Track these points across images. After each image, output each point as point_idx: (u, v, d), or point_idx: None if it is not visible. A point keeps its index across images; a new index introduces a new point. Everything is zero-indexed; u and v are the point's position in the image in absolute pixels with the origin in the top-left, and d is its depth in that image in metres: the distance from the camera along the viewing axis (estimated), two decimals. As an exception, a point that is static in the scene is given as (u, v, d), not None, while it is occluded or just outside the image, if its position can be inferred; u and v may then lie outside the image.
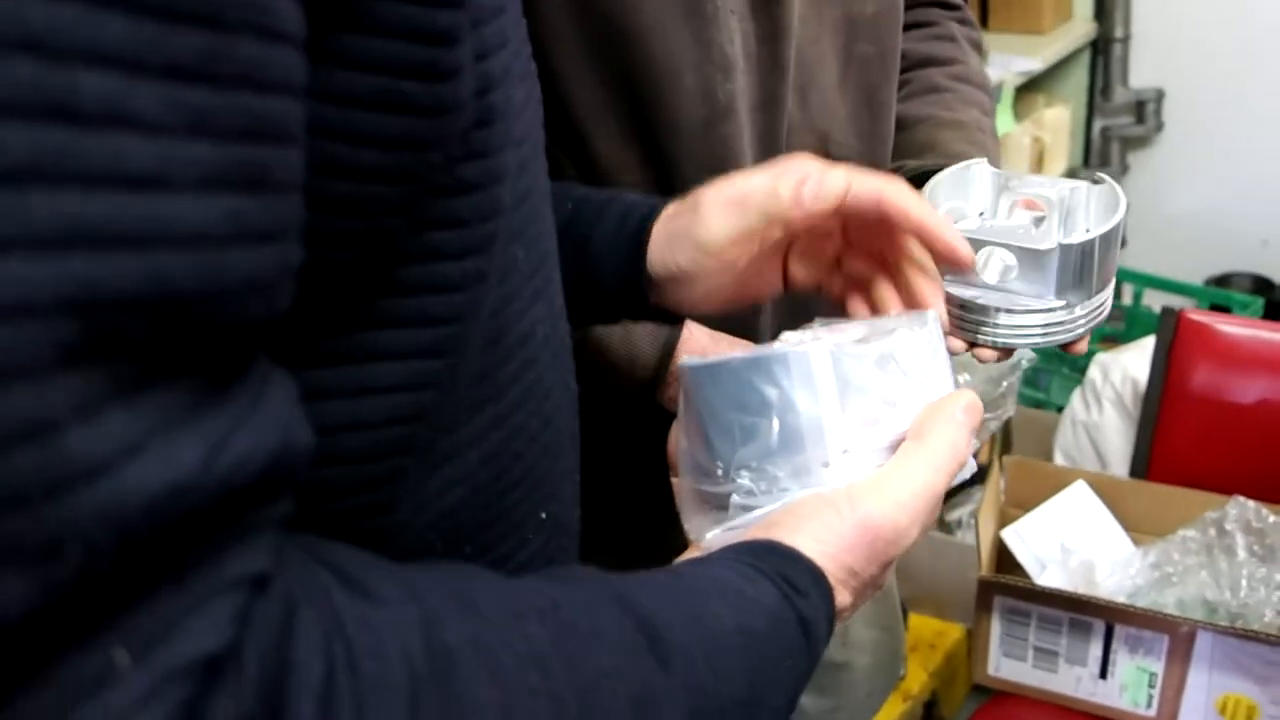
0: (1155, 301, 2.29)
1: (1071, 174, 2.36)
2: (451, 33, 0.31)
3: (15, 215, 0.20)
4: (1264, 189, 2.24)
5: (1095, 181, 0.70)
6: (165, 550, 0.23)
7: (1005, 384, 0.77)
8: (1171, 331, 1.30)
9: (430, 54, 0.31)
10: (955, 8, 0.92)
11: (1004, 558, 1.26)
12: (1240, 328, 1.31)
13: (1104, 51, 2.27)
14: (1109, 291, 0.69)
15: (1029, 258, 0.65)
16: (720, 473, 0.45)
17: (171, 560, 0.24)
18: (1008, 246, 0.66)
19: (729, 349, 0.73)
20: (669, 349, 0.73)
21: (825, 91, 0.77)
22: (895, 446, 0.44)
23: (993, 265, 0.67)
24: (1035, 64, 2.05)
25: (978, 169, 0.72)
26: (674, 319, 0.65)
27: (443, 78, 0.32)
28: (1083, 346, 0.69)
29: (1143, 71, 2.28)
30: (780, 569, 0.39)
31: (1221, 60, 2.19)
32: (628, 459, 0.73)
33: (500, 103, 0.35)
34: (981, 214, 0.72)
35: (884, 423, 0.44)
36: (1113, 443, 1.53)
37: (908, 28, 0.87)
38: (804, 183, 0.53)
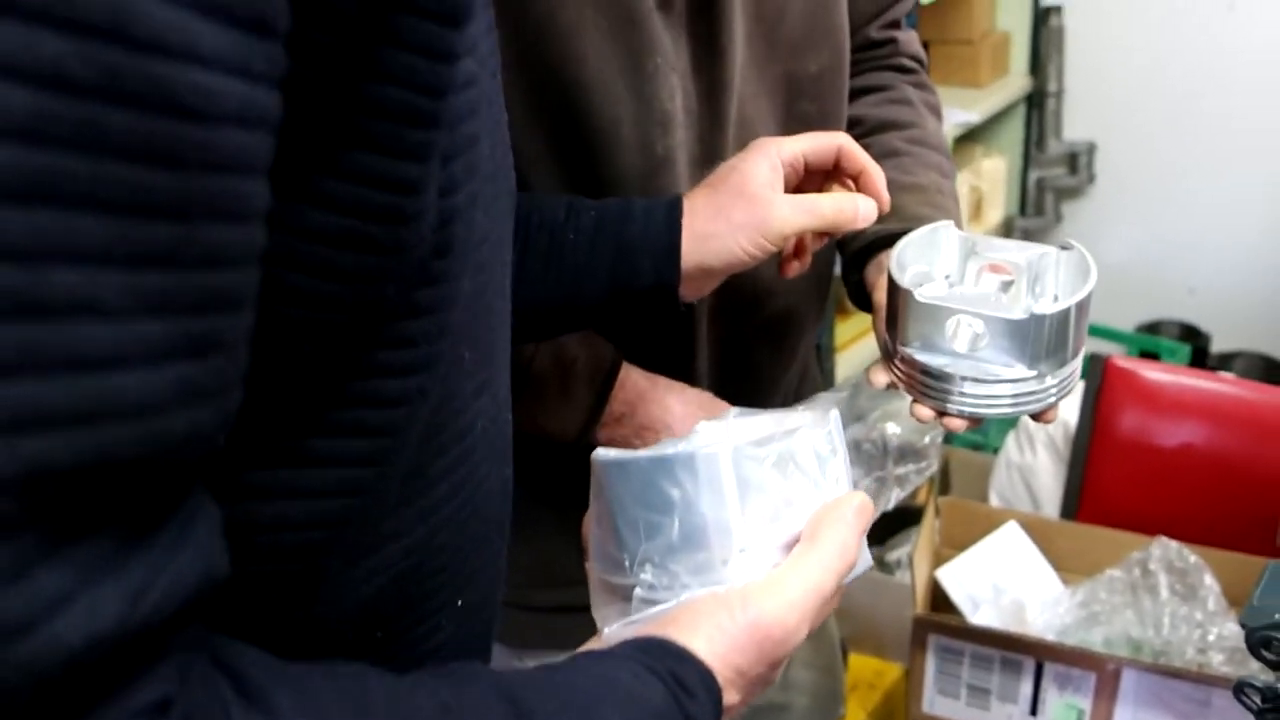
0: (1089, 347, 2.35)
1: (1007, 223, 2.43)
2: (420, 183, 0.32)
3: None
4: (1191, 240, 2.32)
5: (1064, 248, 0.69)
6: (76, 687, 0.24)
7: (929, 436, 0.79)
8: (1099, 378, 1.35)
9: (397, 201, 0.31)
10: (912, 72, 0.93)
11: (940, 597, 1.29)
12: (1164, 374, 1.35)
13: (1038, 105, 2.35)
14: (1079, 361, 0.68)
15: (1000, 326, 0.64)
16: (626, 565, 0.47)
17: (81, 695, 0.24)
18: (979, 315, 0.65)
19: (664, 392, 0.75)
20: (606, 389, 0.75)
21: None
22: (791, 544, 0.46)
23: (963, 333, 0.67)
24: (973, 116, 2.12)
25: (945, 232, 0.71)
26: (674, 311, 0.70)
27: (407, 221, 0.32)
28: (1052, 415, 0.68)
29: (1075, 125, 2.36)
30: (672, 668, 0.40)
31: (1150, 115, 2.28)
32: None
33: (461, 232, 0.36)
34: (948, 278, 0.71)
35: (782, 521, 0.46)
36: (1045, 484, 1.57)
37: (865, 92, 0.89)
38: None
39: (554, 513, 0.74)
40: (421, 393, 0.36)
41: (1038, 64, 2.32)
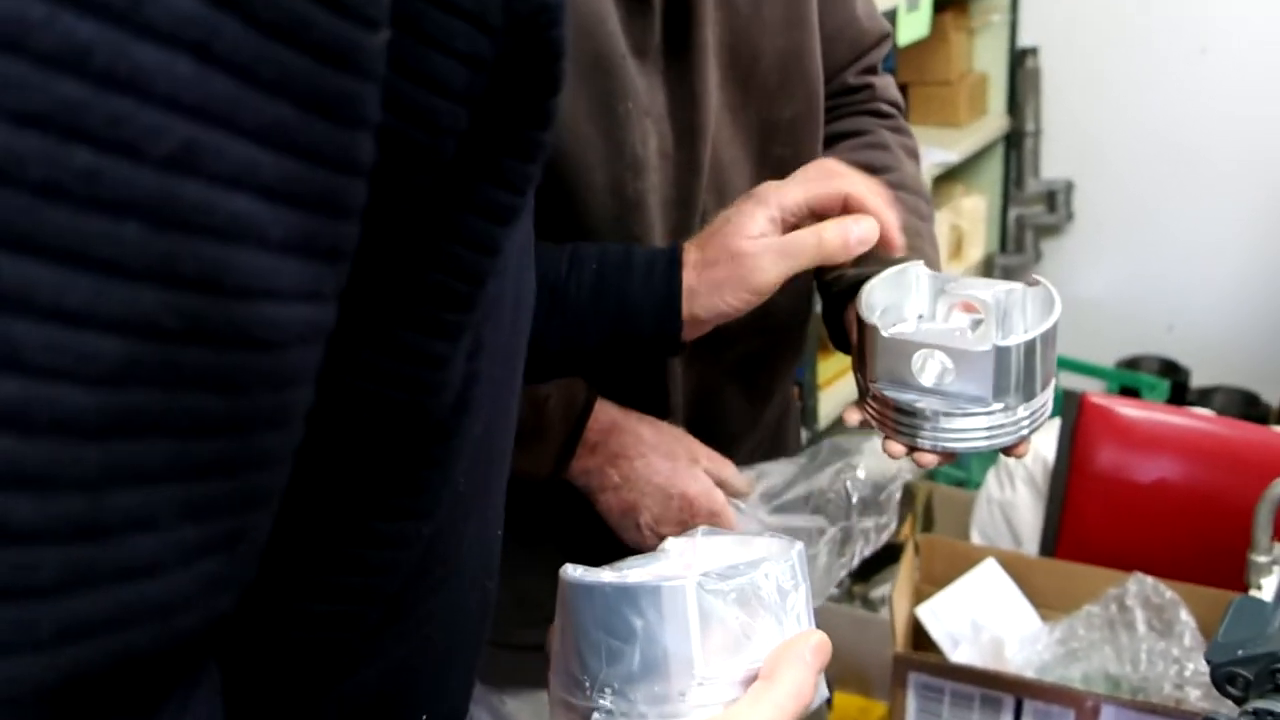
0: (1069, 383, 2.37)
1: (988, 260, 2.46)
2: (448, 358, 0.32)
3: (23, 625, 0.21)
4: (1169, 277, 2.35)
5: (1030, 283, 0.70)
6: None
7: (886, 492, 0.80)
8: (1075, 414, 1.36)
9: (424, 373, 0.31)
10: (889, 116, 0.94)
11: (922, 634, 1.30)
12: (1139, 411, 1.37)
13: (1017, 145, 2.39)
14: (1049, 394, 0.68)
15: (965, 360, 0.65)
16: (586, 687, 0.48)
17: None
18: (943, 349, 0.66)
19: (636, 422, 0.77)
20: (580, 425, 0.76)
21: (740, 191, 0.82)
22: (749, 680, 0.47)
23: (930, 368, 0.68)
24: (952, 156, 2.15)
25: (915, 271, 0.72)
26: (677, 350, 0.73)
27: (431, 391, 0.32)
28: (1023, 449, 0.69)
29: (1053, 164, 2.40)
30: None
31: (1126, 154, 2.31)
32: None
33: (480, 391, 0.36)
34: (920, 316, 0.72)
35: (742, 655, 0.47)
36: (1026, 520, 1.58)
37: (842, 137, 0.90)
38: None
39: (530, 550, 0.75)
40: (420, 535, 0.36)
41: (1015, 104, 2.35)
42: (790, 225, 0.69)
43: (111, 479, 0.21)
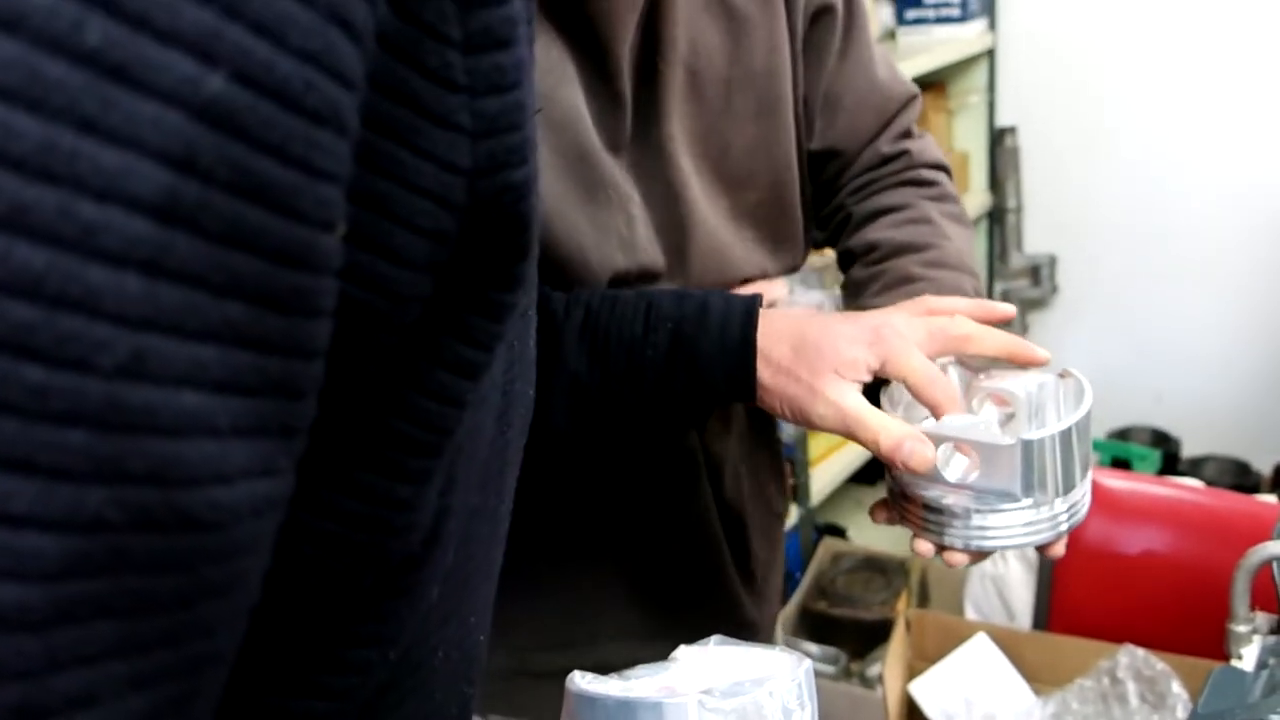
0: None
1: (976, 334, 2.48)
2: (413, 501, 0.32)
3: None
4: (1155, 347, 2.37)
5: (1063, 376, 0.68)
6: None
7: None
8: (1061, 486, 1.37)
9: (388, 515, 0.31)
10: (930, 184, 0.90)
11: (916, 711, 1.29)
12: (1125, 482, 1.38)
13: (999, 220, 2.43)
14: (1084, 489, 0.65)
15: (991, 454, 0.62)
16: None
17: None
18: (969, 443, 0.64)
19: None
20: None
21: (733, 262, 0.84)
22: None
23: (956, 463, 0.65)
24: (935, 233, 2.18)
25: (941, 364, 0.69)
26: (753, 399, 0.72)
27: (395, 533, 0.32)
28: (1059, 549, 0.65)
29: (1036, 239, 2.43)
30: None
31: (1107, 228, 2.35)
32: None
33: (452, 524, 0.35)
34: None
35: None
36: (1018, 594, 1.58)
37: (882, 213, 0.87)
38: (902, 452, 0.64)
39: (508, 578, 0.76)
40: (385, 660, 0.36)
41: (996, 181, 2.40)
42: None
43: (53, 666, 0.21)
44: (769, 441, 0.95)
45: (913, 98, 0.93)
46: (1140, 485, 1.37)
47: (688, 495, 0.86)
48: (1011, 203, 2.39)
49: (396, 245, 0.26)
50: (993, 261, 2.49)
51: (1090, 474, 0.66)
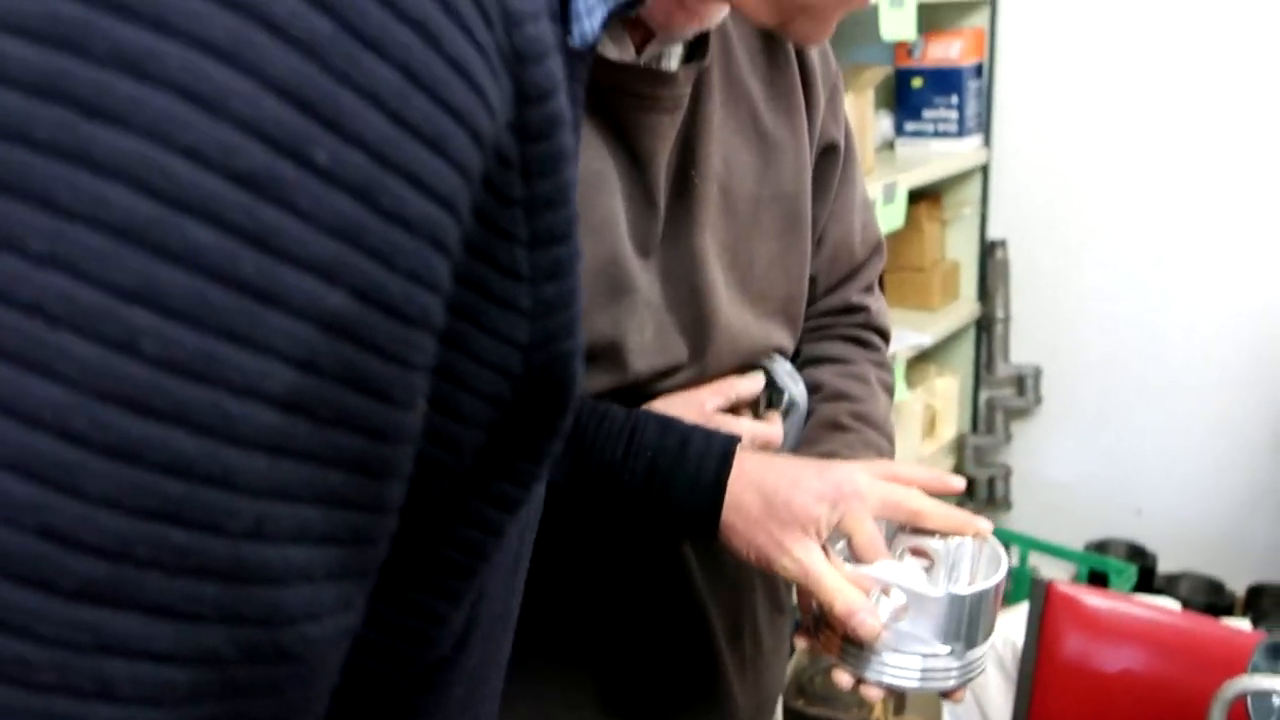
0: (1039, 563, 2.40)
1: (960, 440, 2.52)
2: (449, 617, 0.35)
3: None
4: (1136, 462, 2.41)
5: (978, 539, 0.74)
6: None
7: None
8: (1042, 602, 1.39)
9: (426, 628, 0.35)
10: (875, 349, 1.00)
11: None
12: (1104, 600, 1.40)
13: (987, 329, 2.48)
14: (988, 646, 0.72)
15: (920, 602, 0.69)
16: None
17: None
18: (901, 589, 0.70)
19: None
20: None
21: (747, 352, 0.88)
22: None
23: (884, 605, 0.71)
24: (925, 338, 2.23)
25: (891, 526, 0.76)
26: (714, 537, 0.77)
27: (431, 642, 0.35)
28: (960, 695, 0.73)
29: (1022, 349, 2.49)
30: None
31: (1093, 343, 2.40)
32: None
33: (479, 635, 0.39)
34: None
35: None
36: (996, 704, 1.59)
37: (830, 361, 0.96)
38: (854, 620, 0.70)
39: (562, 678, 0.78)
40: None
41: (985, 292, 2.46)
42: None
43: None
44: None
45: (881, 248, 1.02)
46: (1119, 605, 1.39)
47: (678, 590, 0.89)
48: (1000, 313, 2.45)
49: (462, 408, 0.30)
50: (979, 370, 2.53)
51: (993, 635, 0.73)
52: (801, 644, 0.76)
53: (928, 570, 0.74)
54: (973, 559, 0.74)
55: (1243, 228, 2.19)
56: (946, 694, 0.72)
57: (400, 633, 0.34)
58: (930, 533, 0.75)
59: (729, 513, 0.73)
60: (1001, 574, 0.71)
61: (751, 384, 0.87)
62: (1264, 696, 0.72)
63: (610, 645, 0.90)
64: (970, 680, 0.71)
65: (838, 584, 0.71)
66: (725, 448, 0.75)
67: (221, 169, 0.22)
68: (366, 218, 0.24)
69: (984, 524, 0.76)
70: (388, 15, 0.24)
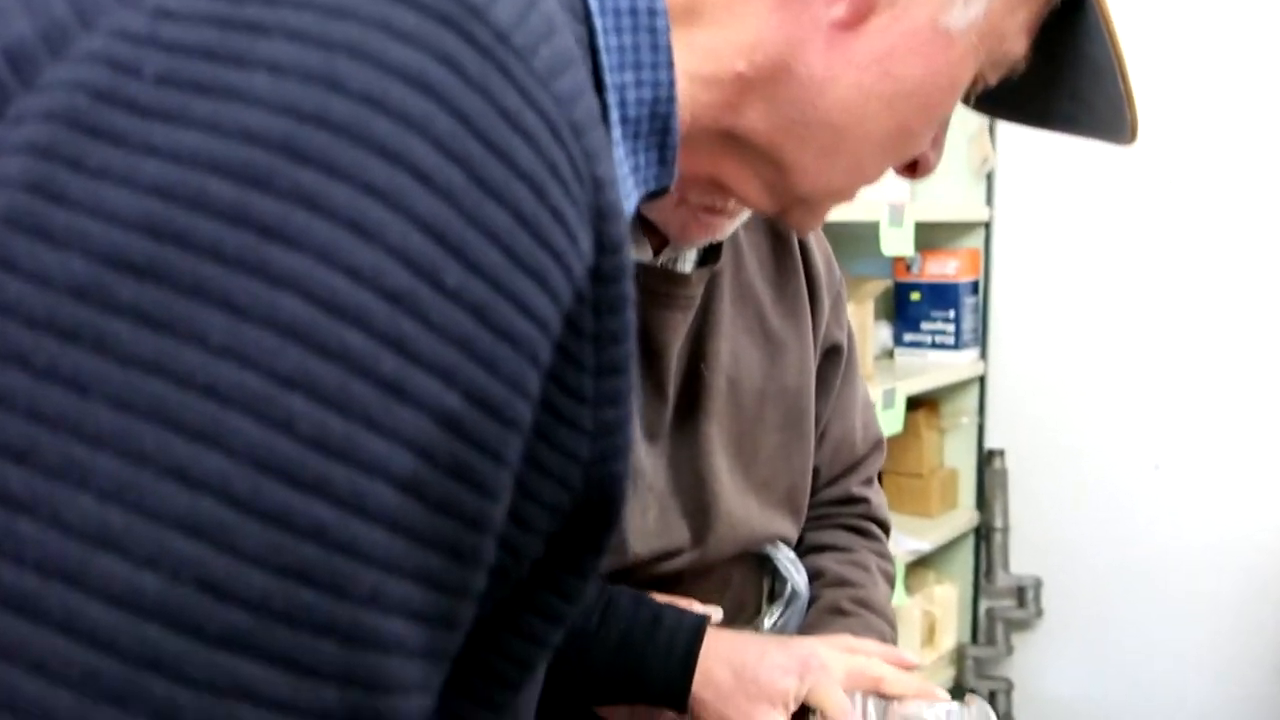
0: (1043, 785, 2.32)
1: (960, 650, 2.48)
2: (505, 705, 0.39)
3: None
4: (1140, 682, 2.36)
5: (967, 703, 0.77)
6: None
7: None
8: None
9: (485, 714, 0.38)
10: (876, 539, 1.04)
11: None
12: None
13: (986, 539, 2.49)
14: None
15: None
16: None
17: None
18: None
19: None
20: None
21: (748, 540, 0.90)
22: None
23: None
24: (924, 545, 2.24)
25: (858, 697, 0.79)
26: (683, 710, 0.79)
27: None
28: None
29: (1022, 560, 2.48)
30: None
31: (1092, 557, 2.40)
32: None
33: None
34: None
35: None
36: None
37: (832, 549, 1.00)
38: None
39: None
40: None
41: (984, 501, 2.48)
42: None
43: None
44: None
45: (881, 444, 1.07)
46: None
47: None
48: (999, 523, 2.46)
49: (529, 517, 0.33)
50: (978, 579, 2.52)
51: None
52: None
53: None
54: None
55: (1243, 442, 2.23)
56: None
57: (460, 713, 0.36)
58: (920, 704, 0.77)
59: (699, 688, 0.76)
60: None
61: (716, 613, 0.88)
62: None
63: None
64: None
65: None
66: (696, 624, 0.78)
67: (372, 284, 0.26)
68: (481, 333, 0.28)
69: (943, 694, 0.78)
70: (508, 172, 0.29)
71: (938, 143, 0.60)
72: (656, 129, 0.44)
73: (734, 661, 0.76)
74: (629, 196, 0.45)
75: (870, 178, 0.57)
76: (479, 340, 0.28)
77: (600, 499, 0.36)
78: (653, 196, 0.48)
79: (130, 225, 0.25)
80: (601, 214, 0.33)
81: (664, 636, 0.77)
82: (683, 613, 0.78)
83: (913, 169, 0.61)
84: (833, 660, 0.77)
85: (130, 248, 0.25)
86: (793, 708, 0.76)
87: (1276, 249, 2.18)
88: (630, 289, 0.35)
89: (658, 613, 0.78)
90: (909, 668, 0.82)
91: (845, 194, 0.57)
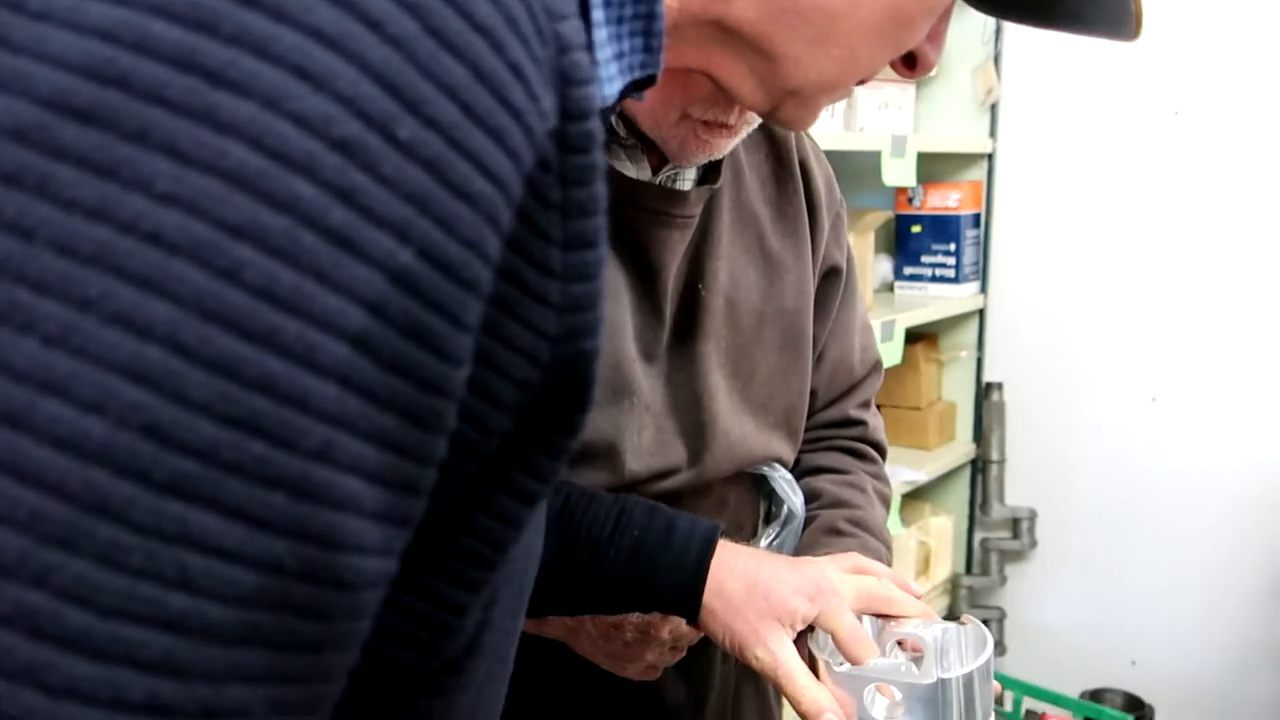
0: (1034, 709, 2.37)
1: (954, 580, 2.52)
2: (468, 608, 0.38)
3: None
4: (1131, 611, 2.40)
5: (962, 623, 0.77)
6: None
7: None
8: (1034, 734, 1.38)
9: (446, 618, 0.37)
10: (873, 461, 1.04)
11: None
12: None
13: (982, 471, 2.51)
14: None
15: (912, 692, 0.71)
16: None
17: None
18: (892, 683, 0.72)
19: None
20: None
21: (745, 458, 0.91)
22: None
23: (879, 701, 0.73)
24: (921, 475, 2.26)
25: (861, 615, 0.79)
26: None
27: (450, 633, 0.38)
28: None
29: (1017, 492, 2.51)
30: None
31: (1087, 489, 2.43)
32: None
33: (490, 638, 0.41)
34: None
35: None
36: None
37: (829, 471, 1.00)
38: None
39: None
40: None
41: (980, 433, 2.50)
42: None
43: (229, 676, 0.27)
44: None
45: (879, 366, 1.07)
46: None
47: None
48: (995, 455, 2.48)
49: (494, 390, 0.33)
50: (974, 511, 2.55)
51: (992, 715, 0.74)
52: None
53: (917, 661, 0.75)
54: (960, 644, 0.76)
55: (1239, 375, 2.24)
56: None
57: (418, 619, 0.36)
58: (915, 625, 0.77)
59: (710, 597, 0.76)
60: (988, 652, 0.73)
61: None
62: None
63: None
64: None
65: (806, 681, 0.73)
66: (709, 533, 0.78)
67: (321, 134, 0.26)
68: (436, 189, 0.28)
69: (936, 617, 0.78)
70: (463, 24, 0.28)
71: (936, 37, 0.59)
72: (641, 14, 0.43)
73: (747, 576, 0.76)
74: (612, 80, 0.44)
75: (864, 68, 0.55)
76: (434, 197, 0.28)
77: (571, 378, 0.35)
78: (640, 87, 0.47)
79: (73, 68, 0.25)
80: (566, 77, 0.32)
81: (677, 544, 0.77)
82: (696, 522, 0.78)
83: (911, 65, 0.60)
84: (844, 583, 0.77)
85: (74, 91, 0.25)
86: (800, 628, 0.75)
87: (1271, 187, 2.17)
88: (601, 159, 0.34)
89: (671, 521, 0.78)
90: (913, 595, 0.81)
91: (839, 86, 0.56)
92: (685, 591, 0.76)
